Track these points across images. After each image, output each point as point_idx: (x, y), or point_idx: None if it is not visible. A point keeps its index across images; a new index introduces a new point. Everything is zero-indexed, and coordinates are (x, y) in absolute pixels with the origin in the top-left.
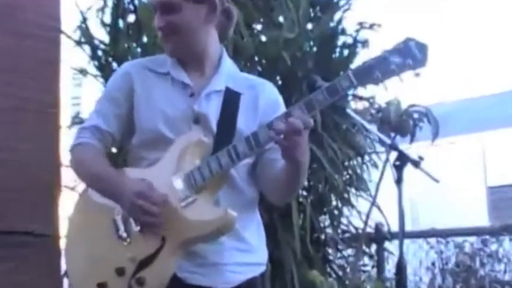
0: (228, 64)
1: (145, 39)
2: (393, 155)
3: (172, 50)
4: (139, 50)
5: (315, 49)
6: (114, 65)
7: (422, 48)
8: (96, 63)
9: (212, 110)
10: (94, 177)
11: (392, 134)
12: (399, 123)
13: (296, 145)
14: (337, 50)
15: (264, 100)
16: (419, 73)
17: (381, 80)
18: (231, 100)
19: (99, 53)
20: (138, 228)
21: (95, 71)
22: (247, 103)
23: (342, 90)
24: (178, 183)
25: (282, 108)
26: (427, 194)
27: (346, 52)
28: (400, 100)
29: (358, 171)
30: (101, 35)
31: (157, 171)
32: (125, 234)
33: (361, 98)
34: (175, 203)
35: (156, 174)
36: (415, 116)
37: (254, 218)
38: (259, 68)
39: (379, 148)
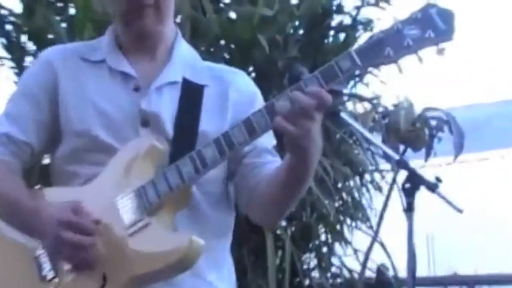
0: (184, 49)
1: (72, 10)
2: (402, 174)
3: (146, 28)
4: (64, 25)
5: (300, 31)
6: (30, 44)
7: (447, 16)
8: (3, 40)
9: (166, 107)
10: (1, 203)
11: (402, 147)
12: (411, 132)
13: (306, 132)
14: (331, 33)
15: (235, 93)
16: (443, 49)
17: (394, 58)
18: (190, 94)
19: (8, 27)
20: (70, 266)
21: (1, 52)
22: (213, 98)
23: (342, 73)
24: (124, 204)
25: (259, 102)
26: (448, 228)
27: (342, 36)
28: (413, 102)
29: (356, 195)
30: (11, 1)
31: (94, 190)
32: (51, 274)
33: (361, 99)
34: (118, 230)
35: (92, 194)
36: (433, 123)
37: (224, 256)
38: (226, 55)
39: (384, 165)
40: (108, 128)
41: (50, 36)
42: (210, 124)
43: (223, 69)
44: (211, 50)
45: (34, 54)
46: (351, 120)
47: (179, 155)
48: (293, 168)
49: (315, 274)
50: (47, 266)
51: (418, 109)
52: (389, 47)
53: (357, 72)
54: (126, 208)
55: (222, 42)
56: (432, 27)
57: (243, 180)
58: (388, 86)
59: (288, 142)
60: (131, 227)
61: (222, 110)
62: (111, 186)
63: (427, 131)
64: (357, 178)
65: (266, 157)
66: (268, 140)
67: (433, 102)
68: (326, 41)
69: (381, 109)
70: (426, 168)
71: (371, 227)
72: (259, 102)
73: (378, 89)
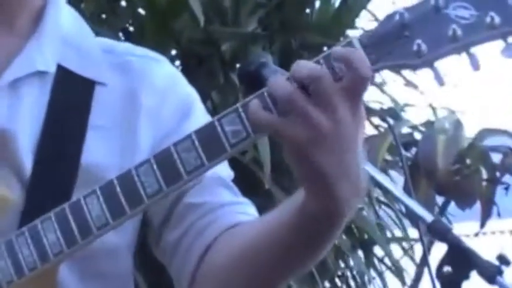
0: (64, 16)
1: None
2: (439, 248)
3: None
4: None
5: None
6: None
7: None
8: None
9: (24, 119)
10: None
11: (440, 200)
12: (457, 175)
13: (331, 128)
14: None
15: (153, 95)
16: None
17: (427, 59)
18: (70, 97)
19: None
20: None
21: None
22: (112, 104)
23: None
24: None
25: (197, 113)
26: None
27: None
28: (461, 119)
29: (358, 280)
30: None
31: None
32: None
33: (368, 111)
34: None
35: None
36: (495, 158)
37: None
38: (131, 28)
39: (408, 231)
40: None
41: None
42: (102, 152)
43: (131, 52)
44: (103, 16)
45: None
46: None
47: (41, 208)
48: (309, 216)
49: None
50: None
51: (469, 132)
52: (420, 39)
53: None
54: None
55: (123, 3)
56: (497, 7)
57: (182, 242)
58: (419, 90)
59: (297, 161)
60: None
61: (128, 126)
62: None
63: (485, 173)
64: (360, 252)
65: (224, 194)
66: (222, 167)
67: (490, 121)
68: (308, 9)
69: (403, 130)
70: (483, 237)
71: None
72: (199, 110)
73: (398, 95)
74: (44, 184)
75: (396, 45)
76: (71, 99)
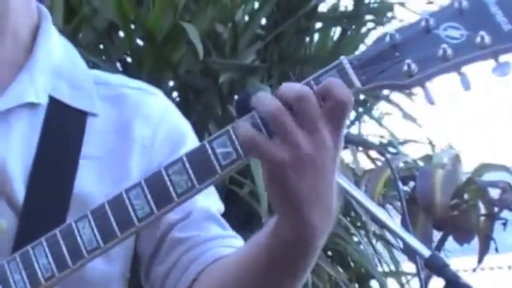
0: (55, 45)
1: None
2: (435, 283)
3: None
4: None
5: (263, 21)
6: None
7: None
8: None
9: (15, 150)
10: None
11: (437, 235)
12: (455, 210)
13: (307, 153)
14: (316, 25)
15: (146, 127)
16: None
17: (417, 80)
18: (62, 128)
19: None
20: None
21: None
22: (105, 134)
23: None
24: None
25: (190, 144)
26: None
27: (336, 32)
28: (459, 154)
29: None
30: None
31: None
32: None
33: (366, 145)
34: None
35: None
36: (493, 193)
37: None
38: (128, 59)
39: (404, 264)
40: None
41: None
42: (95, 182)
43: (125, 84)
44: (101, 47)
45: None
46: (348, 187)
47: (34, 236)
48: (280, 239)
49: None
50: None
51: (467, 167)
52: (410, 59)
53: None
54: None
55: (121, 33)
56: (487, 26)
57: (170, 276)
58: (417, 124)
59: (271, 183)
60: None
61: (120, 157)
62: None
63: (483, 208)
64: (356, 286)
65: (211, 228)
66: (211, 201)
67: (489, 155)
68: (307, 38)
69: (401, 164)
70: (481, 272)
71: None
72: (191, 142)
73: (397, 129)
74: (37, 213)
75: (387, 66)
76: (63, 130)
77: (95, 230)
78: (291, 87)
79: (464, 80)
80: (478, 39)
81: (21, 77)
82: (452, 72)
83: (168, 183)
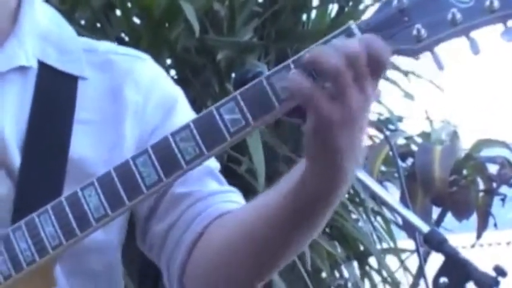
0: (41, 13)
1: None
2: (436, 259)
3: None
4: None
5: None
6: None
7: None
8: None
9: (9, 113)
10: None
11: (436, 211)
12: (453, 186)
13: (352, 113)
14: (313, 2)
15: (136, 92)
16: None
17: (426, 45)
18: (54, 92)
19: None
20: None
21: None
22: (96, 99)
23: None
24: None
25: (182, 109)
26: None
27: (333, 9)
28: (457, 128)
29: None
30: None
31: None
32: None
33: None
34: None
35: None
36: (492, 169)
37: None
38: (124, 36)
39: (403, 242)
40: None
41: None
42: (90, 146)
43: (113, 50)
44: (98, 25)
45: None
46: None
47: (32, 203)
48: (310, 187)
49: None
50: None
51: (465, 142)
52: (419, 23)
53: None
54: None
55: (118, 12)
56: None
57: (171, 233)
58: (416, 99)
59: (314, 133)
60: None
61: (114, 121)
62: None
63: (481, 184)
64: (355, 263)
65: (211, 183)
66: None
67: (487, 131)
68: (304, 16)
69: (399, 141)
70: (480, 248)
71: None
72: (183, 107)
73: (395, 106)
74: (33, 179)
75: (396, 31)
76: (55, 94)
77: (102, 198)
78: (346, 44)
79: (473, 44)
80: (487, 3)
81: (9, 42)
82: (461, 37)
83: (176, 150)
